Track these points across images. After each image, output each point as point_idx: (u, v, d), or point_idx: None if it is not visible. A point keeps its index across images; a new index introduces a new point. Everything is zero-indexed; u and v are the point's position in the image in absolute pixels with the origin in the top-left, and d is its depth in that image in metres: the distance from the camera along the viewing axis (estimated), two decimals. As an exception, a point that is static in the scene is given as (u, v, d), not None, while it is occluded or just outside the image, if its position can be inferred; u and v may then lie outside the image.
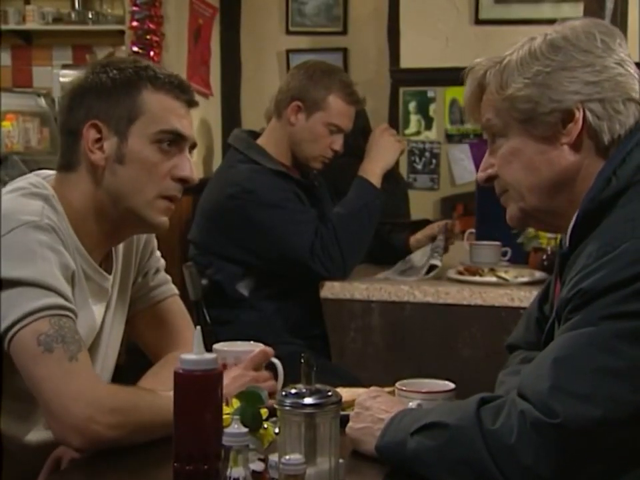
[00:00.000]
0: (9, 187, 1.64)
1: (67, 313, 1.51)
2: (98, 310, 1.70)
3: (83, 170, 1.65)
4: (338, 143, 2.95)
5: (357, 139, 3.31)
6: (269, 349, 1.78)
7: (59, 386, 1.46)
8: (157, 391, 1.56)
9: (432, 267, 3.00)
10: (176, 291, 1.89)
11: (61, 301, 1.50)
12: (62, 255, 1.55)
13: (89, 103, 1.64)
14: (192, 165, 1.68)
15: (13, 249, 1.51)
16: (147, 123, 1.63)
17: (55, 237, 1.55)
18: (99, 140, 1.63)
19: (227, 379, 1.59)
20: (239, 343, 1.82)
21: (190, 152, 1.69)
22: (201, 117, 5.06)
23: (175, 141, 1.65)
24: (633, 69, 1.45)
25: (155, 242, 1.87)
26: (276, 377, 1.77)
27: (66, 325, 1.49)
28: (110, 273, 1.73)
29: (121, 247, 1.77)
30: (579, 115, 1.42)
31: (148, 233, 1.80)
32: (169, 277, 1.89)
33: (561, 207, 1.46)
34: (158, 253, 1.87)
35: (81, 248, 1.64)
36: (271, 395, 1.52)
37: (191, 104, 1.69)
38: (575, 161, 1.44)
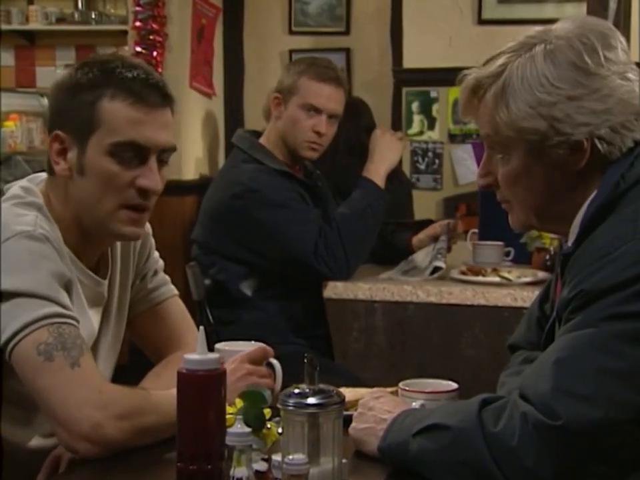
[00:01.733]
0: (3, 196, 1.63)
1: (66, 320, 1.50)
2: (94, 315, 1.70)
3: (58, 177, 1.64)
4: (321, 125, 2.91)
5: (361, 138, 3.31)
6: (269, 349, 1.77)
7: (63, 395, 1.46)
8: (161, 392, 1.56)
9: (436, 269, 3.00)
10: (176, 291, 1.88)
11: (58, 309, 1.50)
12: (56, 263, 1.54)
13: (57, 107, 1.63)
14: (156, 174, 1.61)
15: (7, 260, 1.50)
16: (103, 134, 1.58)
17: (49, 246, 1.54)
18: (63, 150, 1.61)
19: None
20: (240, 342, 1.82)
21: (166, 155, 1.64)
22: (204, 117, 5.06)
23: (134, 151, 1.60)
24: (634, 75, 1.41)
25: (153, 243, 1.85)
26: (275, 379, 1.76)
27: (65, 331, 1.49)
28: (105, 277, 1.72)
29: (118, 250, 1.76)
30: (587, 145, 1.38)
31: (120, 241, 1.75)
32: (168, 278, 1.88)
33: (562, 212, 1.45)
34: (156, 254, 1.86)
35: (72, 255, 1.63)
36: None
37: (163, 104, 1.61)
38: (580, 180, 1.41)
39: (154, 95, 1.60)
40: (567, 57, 1.38)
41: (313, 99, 2.90)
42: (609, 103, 1.37)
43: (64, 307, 1.51)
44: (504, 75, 1.40)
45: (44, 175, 1.71)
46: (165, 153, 1.63)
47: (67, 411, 1.45)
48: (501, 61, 1.42)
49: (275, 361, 1.77)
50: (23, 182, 1.67)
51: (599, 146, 1.38)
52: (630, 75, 1.40)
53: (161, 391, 1.58)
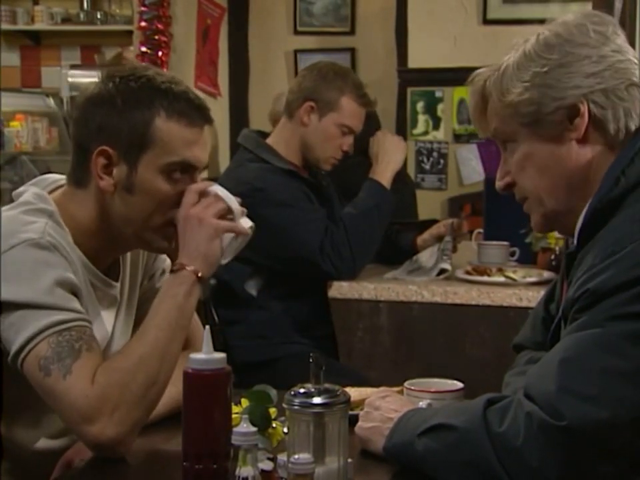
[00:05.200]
0: (15, 203, 1.63)
1: (69, 324, 1.50)
2: (108, 318, 1.70)
3: (92, 190, 1.63)
4: (347, 143, 2.97)
5: (365, 139, 3.31)
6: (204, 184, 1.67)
7: (63, 409, 1.47)
8: (132, 341, 1.56)
9: (442, 271, 3.00)
10: (182, 291, 1.89)
11: (59, 317, 1.49)
12: (62, 271, 1.54)
13: (100, 122, 1.60)
14: None
15: (11, 268, 1.50)
16: (158, 153, 1.59)
17: (55, 254, 1.54)
18: (108, 165, 1.60)
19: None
20: None
21: (201, 172, 1.67)
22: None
23: (185, 169, 1.62)
24: (631, 54, 1.44)
25: None
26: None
27: (65, 338, 1.48)
28: (117, 280, 1.72)
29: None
30: (583, 108, 1.41)
31: (147, 251, 1.78)
32: (175, 277, 1.88)
33: (578, 205, 1.45)
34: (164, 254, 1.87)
35: (86, 260, 1.63)
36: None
37: (207, 122, 1.65)
38: (585, 155, 1.43)
39: (201, 115, 1.63)
40: (558, 36, 1.44)
41: (351, 121, 2.94)
42: (599, 67, 1.41)
43: (68, 310, 1.51)
44: (503, 66, 1.47)
45: (53, 176, 1.71)
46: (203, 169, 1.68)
47: (73, 426, 1.47)
48: (504, 59, 1.48)
49: (216, 189, 1.65)
50: (35, 188, 1.66)
51: (594, 110, 1.41)
52: (626, 53, 1.44)
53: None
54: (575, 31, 1.43)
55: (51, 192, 1.67)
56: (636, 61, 1.45)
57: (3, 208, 1.62)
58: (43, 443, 1.65)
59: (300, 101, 2.94)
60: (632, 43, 1.50)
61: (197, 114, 1.62)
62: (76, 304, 1.54)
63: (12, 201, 1.66)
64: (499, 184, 1.53)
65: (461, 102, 4.99)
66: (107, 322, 1.70)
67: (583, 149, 1.43)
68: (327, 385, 1.31)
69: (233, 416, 1.30)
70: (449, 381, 1.59)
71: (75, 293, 1.56)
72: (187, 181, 1.63)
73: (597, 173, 1.43)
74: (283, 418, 1.38)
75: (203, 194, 1.63)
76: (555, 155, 1.44)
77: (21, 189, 1.67)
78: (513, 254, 3.25)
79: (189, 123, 1.61)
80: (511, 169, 1.49)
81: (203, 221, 1.59)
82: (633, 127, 1.43)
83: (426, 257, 3.11)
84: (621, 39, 1.45)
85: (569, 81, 1.41)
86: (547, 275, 2.97)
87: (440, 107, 5.07)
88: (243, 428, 1.22)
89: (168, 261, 1.88)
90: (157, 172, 1.60)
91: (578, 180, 1.44)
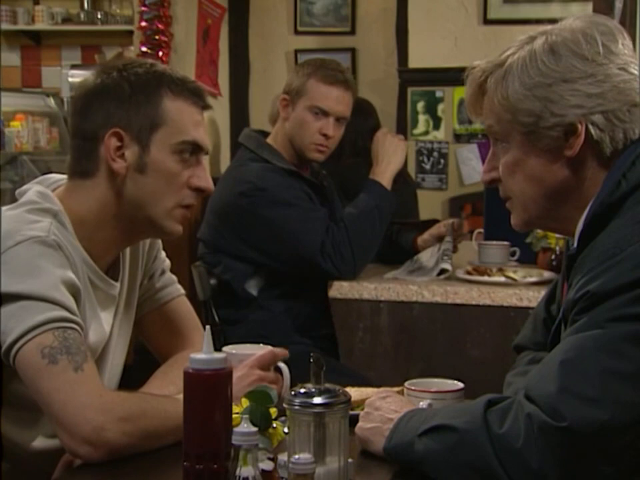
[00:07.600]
0: (18, 202, 1.63)
1: (72, 325, 1.50)
2: (106, 318, 1.70)
3: (102, 177, 1.63)
4: (328, 127, 2.91)
5: (366, 139, 3.31)
6: (278, 350, 1.77)
7: (66, 397, 1.45)
8: (165, 396, 1.56)
9: (442, 271, 3.00)
10: (182, 291, 1.89)
11: (65, 314, 1.50)
12: (66, 271, 1.54)
13: (107, 109, 1.62)
14: (209, 175, 1.68)
15: (17, 262, 1.50)
16: (169, 132, 1.62)
17: (60, 254, 1.54)
18: (119, 148, 1.61)
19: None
20: (247, 345, 1.81)
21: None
22: (209, 117, 5.06)
23: (193, 151, 1.65)
24: (635, 70, 1.42)
25: (160, 243, 1.86)
26: (283, 382, 1.76)
27: (70, 336, 1.49)
28: (117, 280, 1.72)
29: (127, 251, 1.76)
30: (581, 128, 1.40)
31: (161, 238, 1.81)
32: (174, 278, 1.89)
33: (567, 213, 1.45)
34: (163, 254, 1.87)
35: (88, 259, 1.63)
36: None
37: (206, 108, 1.69)
38: (578, 172, 1.42)
39: (201, 98, 1.68)
40: (565, 45, 1.41)
41: (320, 101, 2.90)
42: (603, 88, 1.39)
43: (70, 311, 1.51)
44: (506, 63, 1.45)
45: (56, 176, 1.71)
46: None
47: (69, 414, 1.45)
48: (506, 53, 1.46)
49: (282, 365, 1.76)
50: (38, 186, 1.66)
51: (592, 131, 1.39)
52: (631, 69, 1.42)
53: (165, 393, 1.58)
54: (583, 42, 1.41)
55: (53, 190, 1.66)
56: (637, 74, 1.42)
57: (6, 207, 1.62)
58: (40, 442, 1.64)
59: (279, 99, 2.96)
60: (632, 43, 1.48)
61: (197, 97, 1.66)
62: (76, 308, 1.54)
63: (13, 200, 1.66)
64: (484, 177, 1.53)
65: (462, 102, 4.99)
66: (105, 322, 1.69)
67: (577, 166, 1.42)
68: (327, 385, 1.31)
69: (234, 416, 1.29)
70: (449, 381, 1.59)
71: (75, 296, 1.56)
72: (193, 163, 1.65)
73: (590, 186, 1.42)
74: (283, 418, 1.38)
75: (275, 359, 1.76)
76: (546, 168, 1.43)
77: (25, 186, 1.67)
78: (513, 254, 3.25)
79: (194, 102, 1.65)
80: (500, 169, 1.48)
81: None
82: (633, 137, 1.42)
83: (426, 257, 3.11)
84: (628, 52, 1.43)
85: (571, 98, 1.39)
86: (547, 274, 2.97)
87: (440, 106, 5.07)
88: (244, 428, 1.22)
89: (167, 261, 1.88)
90: (168, 151, 1.62)
91: (568, 192, 1.44)
